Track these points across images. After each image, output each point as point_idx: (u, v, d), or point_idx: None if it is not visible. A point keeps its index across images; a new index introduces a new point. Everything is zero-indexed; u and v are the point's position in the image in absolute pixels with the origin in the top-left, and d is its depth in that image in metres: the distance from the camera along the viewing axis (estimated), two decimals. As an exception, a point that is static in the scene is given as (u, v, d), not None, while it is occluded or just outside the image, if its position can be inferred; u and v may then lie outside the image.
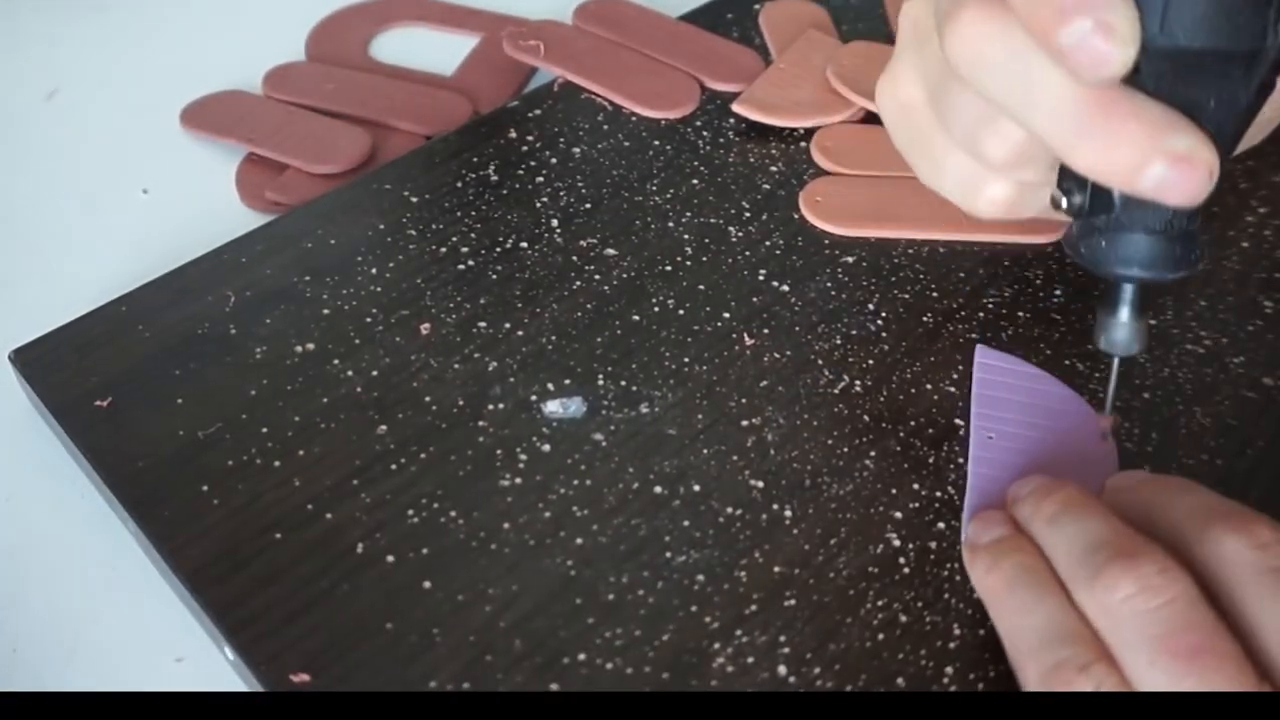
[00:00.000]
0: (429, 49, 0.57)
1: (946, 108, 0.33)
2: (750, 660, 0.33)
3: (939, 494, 0.37)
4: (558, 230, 0.45)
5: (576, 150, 0.49)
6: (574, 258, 0.44)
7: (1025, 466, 0.37)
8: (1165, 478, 0.35)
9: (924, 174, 0.36)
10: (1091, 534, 0.31)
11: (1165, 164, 0.28)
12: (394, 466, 0.37)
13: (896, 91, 0.35)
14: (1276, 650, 0.29)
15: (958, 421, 0.39)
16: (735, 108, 0.50)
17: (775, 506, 0.36)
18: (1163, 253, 0.32)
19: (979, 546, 0.34)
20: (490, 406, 0.39)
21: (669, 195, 0.47)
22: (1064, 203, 0.32)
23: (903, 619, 0.34)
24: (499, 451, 0.38)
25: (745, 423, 0.39)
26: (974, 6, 0.30)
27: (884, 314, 0.42)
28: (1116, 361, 0.36)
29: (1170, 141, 0.28)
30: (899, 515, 0.36)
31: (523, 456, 0.38)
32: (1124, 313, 0.34)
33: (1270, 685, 0.28)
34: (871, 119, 0.49)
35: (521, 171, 0.48)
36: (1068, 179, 0.32)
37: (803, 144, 0.49)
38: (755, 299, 0.43)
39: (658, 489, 0.37)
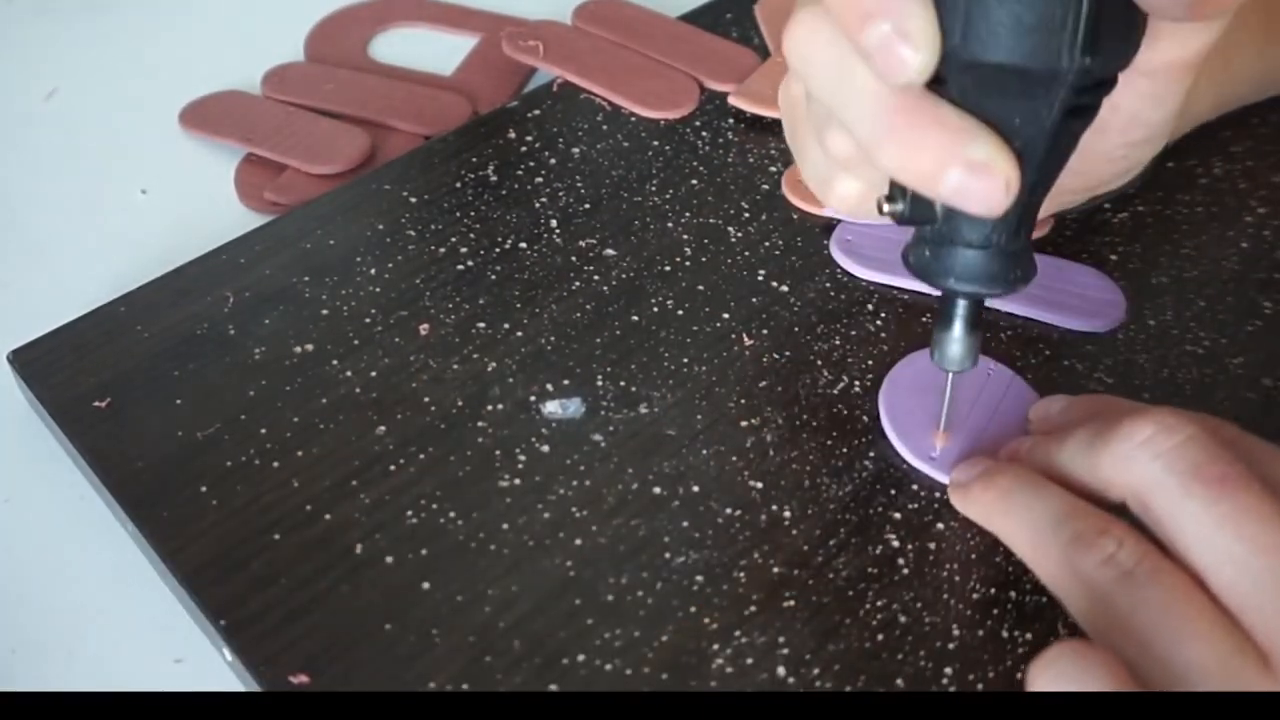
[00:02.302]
0: (428, 49, 0.57)
1: (809, 104, 0.35)
2: (749, 661, 0.33)
3: (939, 494, 0.37)
4: (557, 231, 0.45)
5: (576, 151, 0.49)
6: (573, 258, 0.44)
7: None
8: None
9: (798, 165, 0.38)
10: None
11: (963, 171, 0.29)
12: (393, 467, 0.37)
13: (789, 88, 0.37)
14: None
15: (957, 422, 0.39)
16: (732, 100, 0.50)
17: (774, 507, 0.36)
18: (984, 268, 0.32)
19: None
20: (489, 407, 0.39)
21: (668, 195, 0.47)
22: (886, 208, 0.33)
23: (902, 619, 0.34)
24: (498, 452, 0.38)
25: (744, 423, 0.39)
26: (806, 8, 0.31)
27: (884, 314, 0.42)
28: (950, 377, 0.36)
29: (969, 149, 0.29)
30: (898, 515, 0.36)
31: (522, 457, 0.38)
32: (955, 327, 0.34)
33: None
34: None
35: (521, 172, 0.48)
36: (894, 185, 0.33)
37: (802, 144, 0.49)
38: (754, 299, 0.43)
39: (657, 489, 0.37)
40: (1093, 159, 0.33)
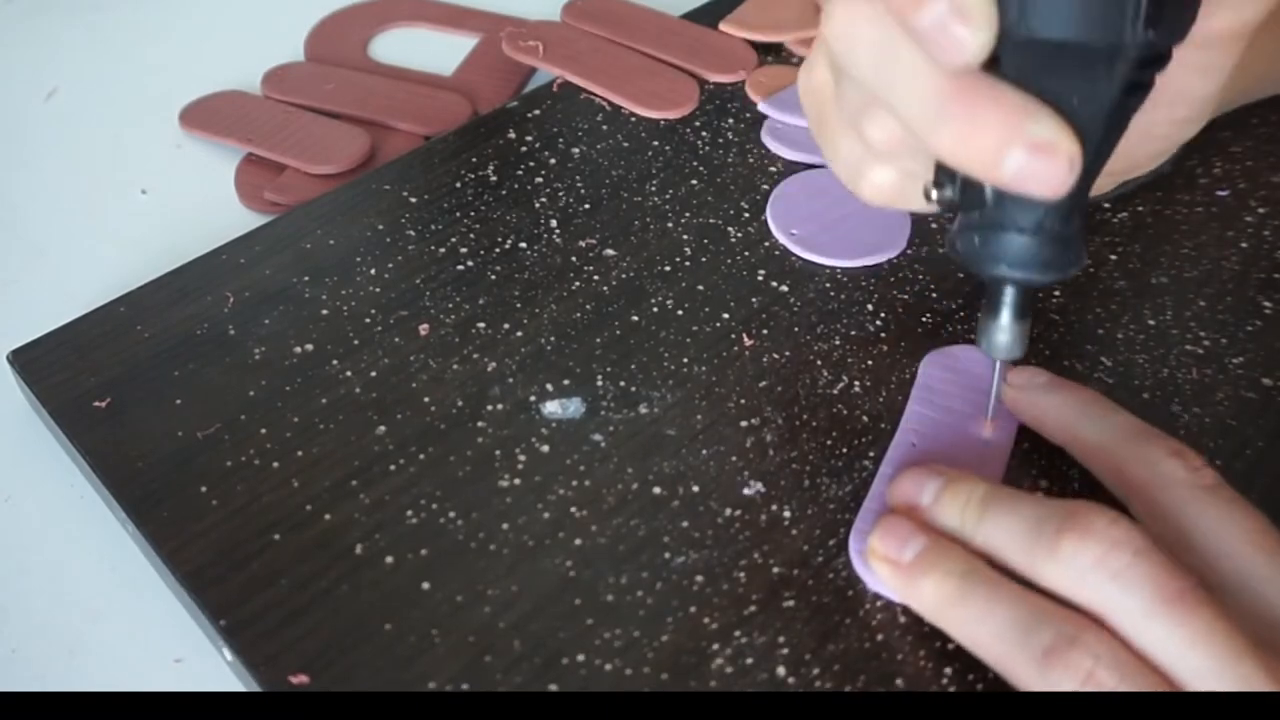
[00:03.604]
0: (428, 49, 0.57)
1: (840, 91, 0.34)
2: (749, 661, 0.33)
3: (938, 494, 0.37)
4: (557, 231, 0.45)
5: (575, 151, 0.49)
6: (573, 258, 0.44)
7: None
8: (1074, 388, 0.36)
9: (825, 154, 0.36)
10: (1029, 512, 0.32)
11: (1025, 151, 0.28)
12: (393, 467, 0.37)
13: (811, 75, 0.36)
14: (1215, 559, 0.31)
15: (957, 422, 0.39)
16: (722, 26, 0.54)
17: (774, 507, 0.36)
18: (1035, 254, 0.31)
19: (906, 565, 0.33)
20: (489, 407, 0.39)
21: (668, 195, 0.47)
22: (934, 194, 0.32)
23: (902, 619, 0.34)
24: (498, 452, 0.38)
25: (744, 423, 0.39)
26: None
27: (884, 314, 0.42)
28: (998, 365, 0.36)
29: (1031, 129, 0.28)
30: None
31: (522, 457, 0.38)
32: (1004, 315, 0.33)
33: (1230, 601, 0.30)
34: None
35: (520, 172, 0.48)
36: (941, 171, 0.32)
37: (802, 144, 0.49)
38: (754, 299, 0.43)
39: (657, 489, 0.37)
40: (1136, 137, 0.32)
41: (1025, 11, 0.28)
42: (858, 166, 0.35)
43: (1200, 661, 0.28)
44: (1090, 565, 0.29)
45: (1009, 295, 0.33)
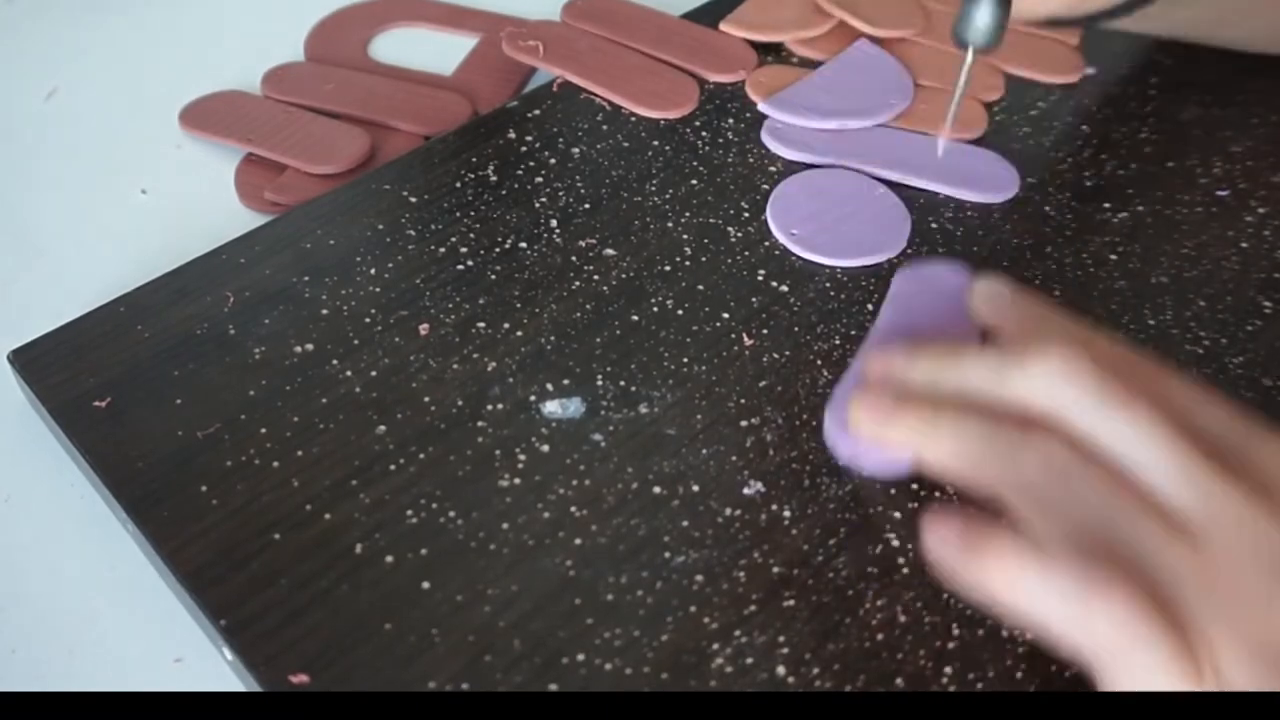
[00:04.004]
0: (428, 49, 0.57)
1: None
2: (749, 660, 0.33)
3: (938, 494, 0.37)
4: (557, 230, 0.45)
5: (575, 150, 0.49)
6: (573, 258, 0.44)
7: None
8: (1033, 299, 0.36)
9: None
10: (995, 352, 0.33)
11: None
12: (393, 467, 0.37)
13: None
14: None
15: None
16: (722, 26, 0.54)
17: (774, 506, 0.36)
18: None
19: (883, 413, 0.34)
20: (489, 407, 0.39)
21: (668, 195, 0.47)
22: None
23: (902, 619, 0.34)
24: (498, 452, 0.38)
25: (744, 423, 0.39)
26: None
27: (883, 314, 0.42)
28: (971, 52, 0.36)
29: None
30: (898, 515, 0.36)
31: (522, 457, 0.38)
32: None
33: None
34: (844, 32, 0.54)
35: (520, 172, 0.48)
36: None
37: (802, 144, 0.49)
38: (754, 299, 0.43)
39: (657, 489, 0.37)
40: None
41: None
42: None
43: (1148, 454, 0.30)
44: (1050, 372, 0.31)
45: None
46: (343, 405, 0.39)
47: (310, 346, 0.41)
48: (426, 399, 0.39)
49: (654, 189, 0.47)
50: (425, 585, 0.34)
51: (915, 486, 0.37)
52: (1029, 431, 0.31)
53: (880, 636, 0.33)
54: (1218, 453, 0.30)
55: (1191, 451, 0.29)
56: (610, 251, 0.44)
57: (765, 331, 0.42)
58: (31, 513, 0.39)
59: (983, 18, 0.35)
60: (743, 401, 0.39)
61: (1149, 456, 0.30)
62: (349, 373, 0.40)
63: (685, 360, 0.41)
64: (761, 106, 0.50)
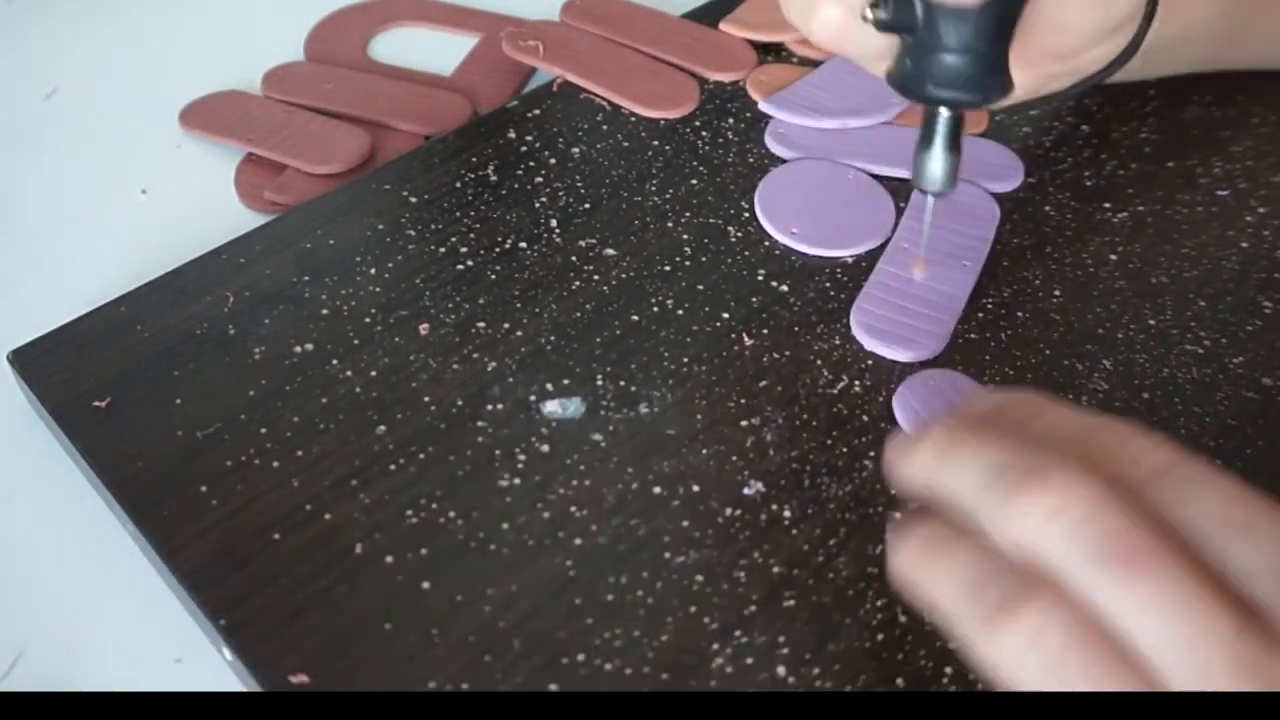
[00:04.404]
0: (428, 49, 0.57)
1: None
2: (749, 661, 0.33)
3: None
4: (557, 230, 0.45)
5: (575, 150, 0.49)
6: (573, 258, 0.44)
7: None
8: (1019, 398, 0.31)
9: (782, 5, 0.40)
10: (994, 459, 0.28)
11: None
12: (393, 467, 0.37)
13: None
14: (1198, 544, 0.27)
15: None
16: (722, 26, 0.54)
17: (774, 506, 0.36)
18: (963, 74, 0.34)
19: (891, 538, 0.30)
20: (489, 407, 0.39)
21: (668, 195, 0.47)
22: (870, 14, 0.35)
23: (902, 619, 0.34)
24: (498, 452, 0.38)
25: (744, 423, 0.39)
26: None
27: (883, 314, 0.42)
28: (931, 201, 0.38)
29: None
30: (899, 515, 0.36)
31: (521, 457, 0.38)
32: (935, 144, 0.36)
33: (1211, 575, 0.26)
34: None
35: (520, 172, 0.48)
36: None
37: (802, 144, 0.49)
38: (754, 299, 0.43)
39: (657, 489, 0.37)
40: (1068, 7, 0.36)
41: None
42: (809, 6, 0.39)
43: (1158, 628, 0.25)
44: (1044, 519, 0.26)
45: (941, 123, 0.36)
46: (343, 405, 0.39)
47: (310, 346, 0.41)
48: (426, 399, 0.39)
49: (654, 189, 0.47)
50: (425, 585, 0.34)
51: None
52: (1029, 587, 0.26)
53: (880, 636, 0.33)
54: (1244, 612, 0.25)
55: (1211, 630, 0.25)
56: (610, 251, 0.44)
57: (765, 331, 0.42)
58: (31, 513, 0.39)
59: (935, 168, 0.37)
60: (743, 401, 0.39)
61: (1165, 638, 0.25)
62: (349, 373, 0.40)
63: (685, 360, 0.41)
64: (762, 106, 0.50)
